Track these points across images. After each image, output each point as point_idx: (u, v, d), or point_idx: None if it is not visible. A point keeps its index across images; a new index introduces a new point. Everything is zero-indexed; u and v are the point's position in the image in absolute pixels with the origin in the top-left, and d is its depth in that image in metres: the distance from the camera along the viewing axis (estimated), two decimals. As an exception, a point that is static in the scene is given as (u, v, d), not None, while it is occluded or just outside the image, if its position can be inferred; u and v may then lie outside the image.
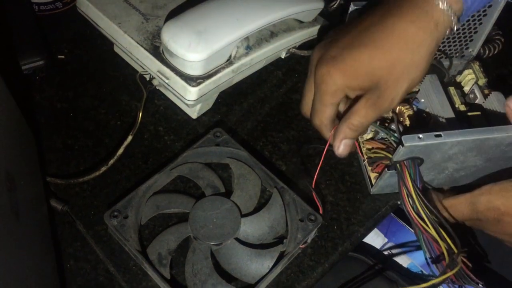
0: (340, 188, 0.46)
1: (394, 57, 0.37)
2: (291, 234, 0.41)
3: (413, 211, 0.40)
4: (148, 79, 0.48)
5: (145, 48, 0.44)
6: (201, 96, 0.44)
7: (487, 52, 0.55)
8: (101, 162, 0.44)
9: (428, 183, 0.44)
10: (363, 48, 0.38)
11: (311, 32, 0.53)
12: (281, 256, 0.40)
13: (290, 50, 0.53)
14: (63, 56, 0.52)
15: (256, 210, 0.42)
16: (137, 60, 0.45)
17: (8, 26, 0.51)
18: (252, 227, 0.41)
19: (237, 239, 0.40)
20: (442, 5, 0.37)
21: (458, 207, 0.43)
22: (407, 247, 0.53)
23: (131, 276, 0.40)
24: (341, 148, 0.41)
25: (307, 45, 0.55)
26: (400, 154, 0.39)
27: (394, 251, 0.52)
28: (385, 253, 0.52)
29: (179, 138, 0.48)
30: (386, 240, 0.54)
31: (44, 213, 0.40)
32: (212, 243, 0.39)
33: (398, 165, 0.40)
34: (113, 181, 0.44)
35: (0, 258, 0.27)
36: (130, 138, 0.44)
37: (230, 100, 0.51)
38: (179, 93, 0.43)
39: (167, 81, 0.43)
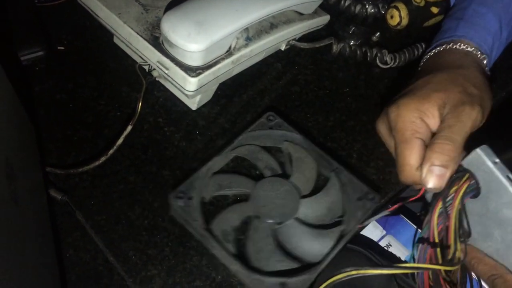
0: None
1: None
2: (349, 213, 0.41)
3: (436, 213, 0.36)
4: (147, 70, 0.48)
5: (144, 39, 0.44)
6: (200, 87, 0.44)
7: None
8: (101, 153, 0.44)
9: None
10: (417, 82, 0.42)
11: (311, 24, 0.53)
12: (341, 236, 0.40)
13: (290, 42, 0.53)
14: (62, 47, 0.52)
15: (313, 192, 0.43)
16: (137, 50, 0.45)
17: (8, 16, 0.50)
18: (311, 209, 0.42)
19: (298, 219, 0.41)
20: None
21: (480, 265, 0.39)
22: (405, 239, 0.53)
23: (130, 266, 0.40)
24: (428, 177, 0.36)
25: (307, 37, 0.55)
26: (469, 158, 0.35)
27: (392, 243, 0.52)
28: (383, 245, 0.52)
29: (178, 129, 0.48)
30: (384, 232, 0.54)
31: (44, 203, 0.40)
32: (273, 222, 0.40)
33: (462, 170, 0.36)
34: (112, 172, 0.44)
35: None
36: (129, 128, 0.44)
37: (229, 92, 0.51)
38: (178, 84, 0.43)
39: (166, 71, 0.43)
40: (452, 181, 0.37)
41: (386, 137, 0.42)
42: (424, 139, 0.38)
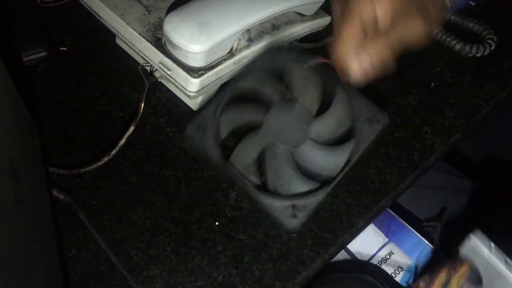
0: (340, 180, 0.46)
1: None
2: (357, 132, 0.41)
3: None
4: (149, 71, 0.48)
5: (147, 40, 0.44)
6: (202, 88, 0.44)
7: (482, 51, 0.56)
8: (103, 153, 0.44)
9: None
10: None
11: (312, 25, 0.53)
12: (352, 153, 0.41)
13: (292, 43, 0.53)
14: (65, 48, 0.52)
15: (322, 108, 0.43)
16: (139, 51, 0.46)
17: (11, 18, 0.51)
18: (322, 126, 0.42)
19: (312, 139, 0.41)
20: None
21: None
22: (408, 247, 0.54)
23: (132, 265, 0.40)
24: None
25: (309, 38, 0.55)
26: (465, 245, 0.36)
27: (394, 250, 0.52)
28: (385, 253, 0.52)
29: (180, 130, 0.48)
30: (386, 240, 0.54)
31: (46, 203, 0.40)
32: (289, 146, 0.41)
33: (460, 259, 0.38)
34: (115, 172, 0.44)
35: (2, 243, 0.27)
36: (132, 128, 0.44)
37: (231, 93, 0.51)
38: (180, 84, 0.44)
39: (169, 72, 0.44)
40: (453, 268, 0.38)
41: None
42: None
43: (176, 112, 0.49)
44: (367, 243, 0.53)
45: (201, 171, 0.45)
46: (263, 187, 0.39)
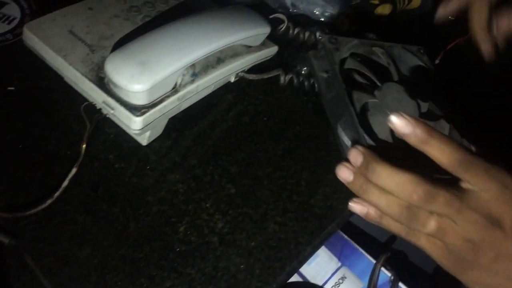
0: (288, 208, 0.48)
1: None
2: None
3: None
4: (98, 107, 0.49)
5: (90, 80, 0.45)
6: (146, 125, 0.44)
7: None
8: (49, 194, 0.44)
9: None
10: None
11: (259, 56, 0.55)
12: None
13: (239, 74, 0.55)
14: (13, 88, 0.52)
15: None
16: (83, 91, 0.46)
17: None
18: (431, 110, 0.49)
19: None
20: None
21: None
22: (360, 271, 0.54)
23: (79, 307, 0.40)
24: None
25: (256, 68, 0.56)
26: None
27: (347, 275, 0.52)
28: (338, 277, 0.53)
29: (129, 165, 0.49)
30: (339, 264, 0.55)
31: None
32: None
33: None
34: (61, 212, 0.44)
35: None
36: (74, 170, 0.44)
37: (180, 126, 0.52)
38: (124, 123, 0.44)
39: (112, 111, 0.44)
40: None
41: None
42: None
43: (125, 147, 0.50)
44: (321, 268, 0.54)
45: (150, 206, 0.46)
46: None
